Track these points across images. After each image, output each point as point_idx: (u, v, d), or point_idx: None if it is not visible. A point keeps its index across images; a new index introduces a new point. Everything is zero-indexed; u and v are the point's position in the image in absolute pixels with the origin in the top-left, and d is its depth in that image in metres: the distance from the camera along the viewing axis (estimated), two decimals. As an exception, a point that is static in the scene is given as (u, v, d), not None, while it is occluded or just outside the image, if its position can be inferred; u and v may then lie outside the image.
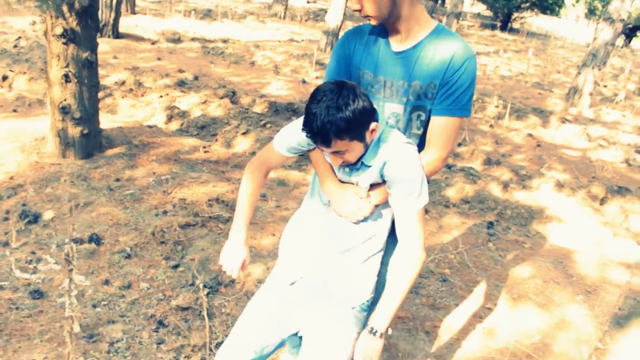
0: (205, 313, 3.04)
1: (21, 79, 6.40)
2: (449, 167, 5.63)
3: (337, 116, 1.50)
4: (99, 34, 9.46)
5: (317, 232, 1.90)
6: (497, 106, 8.16)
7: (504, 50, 15.87)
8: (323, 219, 1.88)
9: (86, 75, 4.27)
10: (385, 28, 1.85)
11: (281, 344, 1.99)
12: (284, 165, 5.08)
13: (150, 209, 3.96)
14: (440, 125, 1.82)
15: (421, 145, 1.89)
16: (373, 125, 1.61)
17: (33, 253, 3.36)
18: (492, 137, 7.07)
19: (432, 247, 3.99)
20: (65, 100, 4.24)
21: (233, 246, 1.93)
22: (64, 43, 4.06)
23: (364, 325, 1.87)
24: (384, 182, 1.73)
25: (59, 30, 3.97)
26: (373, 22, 1.80)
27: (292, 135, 1.82)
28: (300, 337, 1.99)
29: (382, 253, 1.91)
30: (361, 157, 1.69)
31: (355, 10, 1.79)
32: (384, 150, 1.68)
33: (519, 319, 3.29)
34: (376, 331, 1.77)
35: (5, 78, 6.44)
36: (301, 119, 1.64)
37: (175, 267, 3.40)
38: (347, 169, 1.77)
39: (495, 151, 6.64)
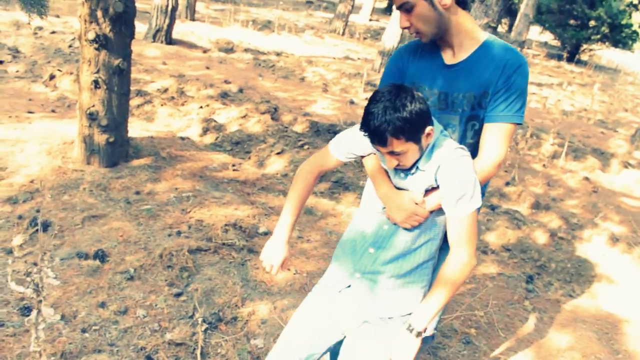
0: (198, 352, 2.80)
1: (67, 79, 6.41)
2: (492, 208, 5.24)
3: (394, 115, 1.57)
4: (151, 39, 9.51)
5: (370, 239, 1.90)
6: (553, 144, 7.66)
7: (568, 83, 15.18)
8: (376, 225, 1.88)
9: (116, 83, 4.14)
10: (437, 43, 1.91)
11: (326, 351, 2.02)
12: (315, 192, 4.82)
13: (164, 228, 3.76)
14: (493, 131, 1.86)
15: (474, 154, 1.90)
16: (429, 129, 1.66)
17: (34, 264, 3.22)
18: (544, 177, 6.60)
19: (460, 301, 3.63)
20: (93, 106, 4.12)
21: (276, 244, 1.99)
22: (96, 48, 3.94)
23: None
24: (438, 187, 1.76)
25: (91, 35, 3.86)
26: (424, 39, 1.87)
27: (350, 140, 1.90)
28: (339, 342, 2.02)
29: (434, 262, 1.93)
30: (416, 161, 1.74)
31: (404, 28, 1.85)
32: (438, 155, 1.73)
33: (549, 396, 2.90)
34: (413, 329, 1.80)
35: (52, 77, 6.47)
36: (358, 126, 1.74)
37: (178, 295, 3.18)
38: (402, 174, 1.80)
39: (545, 194, 6.18)
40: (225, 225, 3.77)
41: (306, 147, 5.68)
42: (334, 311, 1.96)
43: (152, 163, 4.55)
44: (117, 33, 3.98)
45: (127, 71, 4.25)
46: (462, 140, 1.93)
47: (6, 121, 5.04)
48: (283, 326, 3.05)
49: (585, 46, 23.19)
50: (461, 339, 3.21)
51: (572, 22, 21.74)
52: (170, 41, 9.90)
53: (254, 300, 3.22)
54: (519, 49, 13.04)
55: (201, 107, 6.32)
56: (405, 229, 1.81)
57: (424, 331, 1.81)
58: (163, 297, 3.14)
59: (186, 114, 6.05)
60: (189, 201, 4.13)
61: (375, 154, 1.88)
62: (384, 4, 29.44)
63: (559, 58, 21.96)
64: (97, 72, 4.04)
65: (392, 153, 1.66)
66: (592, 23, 21.25)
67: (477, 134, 1.92)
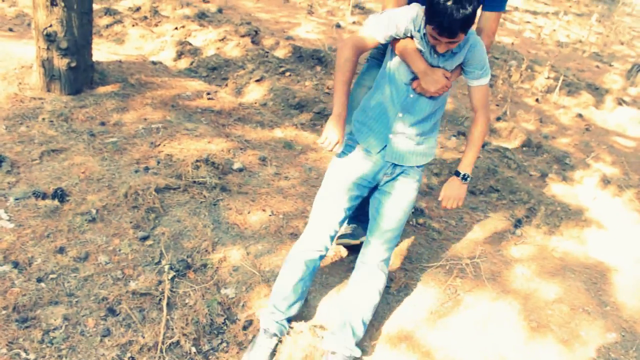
0: (164, 303, 2.60)
1: (28, -7, 5.87)
2: (482, 145, 4.99)
3: (464, 14, 1.91)
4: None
5: (398, 105, 2.31)
6: (548, 77, 7.34)
7: (564, 13, 14.62)
8: (404, 95, 2.29)
9: (76, 0, 3.71)
10: None
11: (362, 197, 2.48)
12: (296, 123, 4.51)
13: (131, 163, 3.47)
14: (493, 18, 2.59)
15: None
16: None
17: (-16, 204, 2.94)
18: (537, 113, 6.32)
19: (445, 247, 3.44)
20: (50, 26, 3.71)
21: (337, 122, 2.24)
22: (50, -40, 3.49)
23: (420, 177, 2.47)
24: (460, 65, 2.27)
25: (43, -57, 3.40)
26: None
27: (392, 24, 2.18)
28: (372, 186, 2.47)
29: (439, 125, 2.48)
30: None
31: None
32: (466, 39, 2.18)
33: (534, 355, 2.76)
34: (467, 176, 2.42)
35: (11, -9, 5.93)
36: (403, 11, 2.18)
37: (144, 239, 2.94)
38: (436, 56, 2.19)
39: (537, 131, 5.93)
40: (197, 161, 3.48)
41: (288, 73, 5.32)
42: (371, 169, 2.39)
43: (120, 90, 4.18)
44: (74, -59, 3.53)
45: (89, -13, 3.81)
46: None
47: (-42, 40, 4.59)
48: (256, 274, 2.84)
49: (582, -28, 22.32)
50: (446, 290, 3.04)
51: (571, -55, 20.79)
52: (145, -46, 9.19)
53: (226, 244, 3.00)
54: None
55: (176, 28, 5.86)
56: (428, 97, 2.27)
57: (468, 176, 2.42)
58: (127, 242, 2.90)
59: (159, 35, 5.60)
60: (158, 133, 3.82)
61: (409, 37, 2.20)
62: None
63: (555, -16, 21.16)
64: (54, -13, 3.60)
65: (452, 42, 2.05)
66: (591, -53, 20.34)
67: None
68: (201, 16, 6.52)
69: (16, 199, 3.02)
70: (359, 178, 2.39)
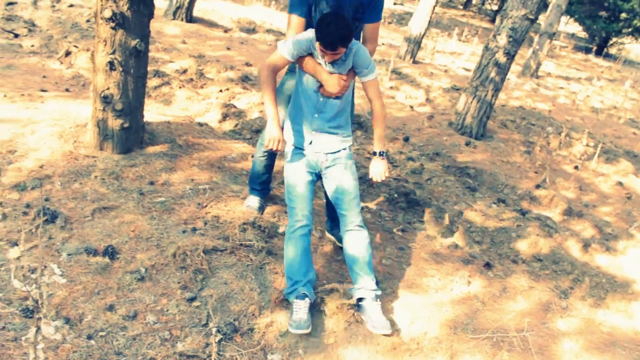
0: (211, 366, 2.59)
1: (83, 56, 6.18)
2: (522, 213, 4.96)
3: (342, 33, 2.70)
4: (172, 17, 9.24)
5: (312, 108, 3.07)
6: (586, 145, 7.33)
7: (597, 78, 14.71)
8: (315, 99, 3.05)
9: (133, 65, 3.90)
10: None
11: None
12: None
13: (179, 224, 3.54)
14: (371, 28, 3.29)
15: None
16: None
17: (41, 259, 3.01)
18: (576, 181, 6.28)
19: (491, 319, 3.38)
20: (108, 89, 3.88)
21: (274, 127, 2.98)
22: (112, 27, 3.69)
23: (351, 156, 3.22)
24: (352, 69, 3.03)
25: (107, 13, 3.61)
26: None
27: (297, 46, 2.94)
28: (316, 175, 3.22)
29: (349, 116, 3.24)
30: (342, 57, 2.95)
31: None
32: (350, 47, 2.95)
33: None
34: (383, 152, 3.15)
35: (68, 54, 6.24)
36: (302, 35, 2.98)
37: (191, 300, 2.96)
38: (334, 65, 2.94)
39: (578, 199, 5.88)
40: (244, 223, 3.53)
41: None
42: (309, 160, 3.15)
43: (168, 151, 4.31)
44: (135, 12, 3.73)
45: (145, 53, 4.00)
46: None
47: (18, 99, 4.82)
48: (302, 340, 2.83)
49: (614, 39, 22.51)
50: (494, 364, 2.97)
51: (602, 13, 21.06)
52: (190, 19, 9.61)
53: (272, 309, 3.00)
54: (548, 41, 12.60)
55: (221, 90, 6.06)
56: (334, 98, 3.04)
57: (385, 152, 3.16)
58: (175, 302, 2.92)
59: (205, 97, 5.80)
60: (205, 194, 3.90)
61: (309, 55, 2.98)
62: (409, -12, 28.86)
63: (587, 51, 21.37)
64: (113, 52, 3.79)
65: (335, 54, 2.82)
66: (623, 15, 20.57)
67: (359, 30, 3.30)
68: (244, 79, 6.74)
69: (69, 255, 3.09)
70: (306, 167, 3.15)
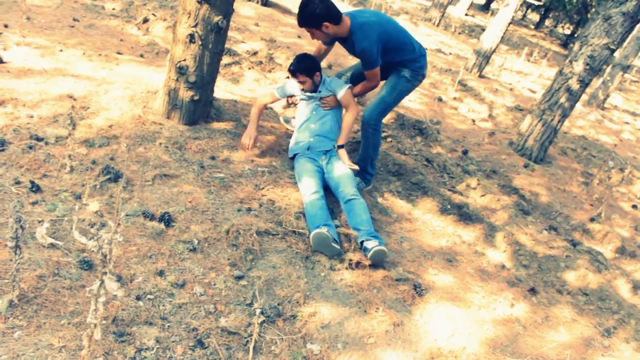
0: (251, 346, 2.62)
1: (160, 25, 6.30)
2: (573, 244, 4.83)
3: (299, 66, 4.03)
4: (248, -2, 9.33)
5: (309, 123, 4.22)
6: (647, 184, 7.08)
7: (666, 118, 14.17)
8: (310, 117, 4.23)
9: (212, 40, 3.96)
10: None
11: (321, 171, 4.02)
12: (392, 190, 4.54)
13: (235, 202, 3.59)
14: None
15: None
16: (317, 73, 4.12)
17: (100, 215, 3.10)
18: (633, 220, 6.08)
19: (533, 346, 3.31)
20: (184, 60, 3.96)
21: (250, 129, 4.15)
22: (198, 1, 3.76)
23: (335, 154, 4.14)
24: (330, 94, 4.22)
25: (196, -13, 3.67)
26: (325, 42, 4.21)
27: (287, 86, 4.32)
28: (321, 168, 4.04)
29: (337, 123, 4.29)
30: (318, 88, 4.22)
31: (313, 38, 3.94)
32: (325, 82, 4.24)
33: None
34: (343, 145, 4.11)
35: (145, 21, 6.38)
36: (287, 81, 4.36)
37: (239, 278, 3.00)
38: (313, 92, 4.23)
39: (632, 238, 5.69)
40: (298, 212, 3.55)
41: (389, 139, 5.40)
42: (312, 156, 4.07)
43: (232, 129, 4.37)
44: (223, -11, 3.78)
45: (225, 30, 4.05)
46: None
47: (96, 59, 4.96)
48: (342, 336, 2.83)
49: (689, 81, 21.63)
50: (532, 392, 2.92)
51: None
52: (265, 2, 9.69)
53: (317, 300, 3.01)
54: (620, 73, 12.21)
55: (288, 77, 6.09)
56: (325, 112, 4.23)
57: (344, 145, 4.12)
58: (223, 277, 2.97)
59: (272, 82, 5.84)
60: (263, 177, 3.94)
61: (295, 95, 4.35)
62: (482, 0, 28.43)
63: (658, 89, 20.60)
64: (195, 26, 3.86)
65: (300, 82, 4.09)
66: (702, 58, 19.75)
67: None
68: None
69: (127, 215, 3.17)
70: (311, 162, 3.98)
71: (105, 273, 1.83)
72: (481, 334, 3.22)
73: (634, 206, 6.56)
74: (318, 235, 3.30)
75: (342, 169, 3.93)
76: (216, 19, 3.87)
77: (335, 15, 3.67)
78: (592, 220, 5.63)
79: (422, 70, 4.09)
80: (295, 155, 4.17)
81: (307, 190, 3.68)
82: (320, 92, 4.17)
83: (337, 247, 3.36)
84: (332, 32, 3.74)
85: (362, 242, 3.50)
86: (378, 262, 3.46)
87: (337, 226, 3.65)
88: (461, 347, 3.05)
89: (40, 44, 4.98)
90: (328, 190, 3.98)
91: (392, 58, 3.98)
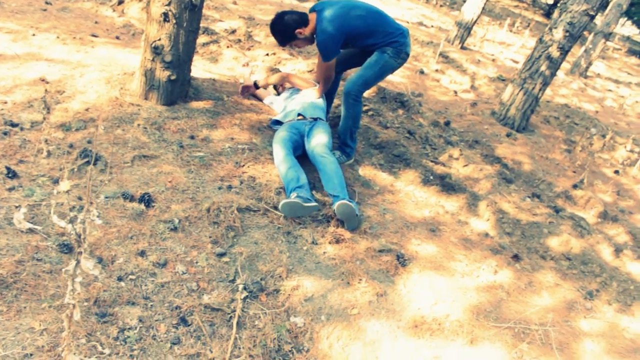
0: (235, 321, 2.64)
1: (135, 6, 6.21)
2: (556, 210, 4.87)
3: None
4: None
5: (298, 96, 4.47)
6: (630, 151, 7.14)
7: (648, 85, 14.26)
8: (297, 92, 4.57)
9: (186, 18, 3.91)
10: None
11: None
12: (375, 163, 4.54)
13: (215, 180, 3.58)
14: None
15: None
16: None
17: (79, 199, 3.08)
18: (615, 186, 6.14)
19: (516, 311, 3.36)
20: (159, 40, 3.91)
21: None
22: (170, -21, 3.70)
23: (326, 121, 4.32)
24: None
25: (167, -36, 3.61)
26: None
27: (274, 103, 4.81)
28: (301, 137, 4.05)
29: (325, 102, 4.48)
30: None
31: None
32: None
33: None
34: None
35: (120, 2, 6.28)
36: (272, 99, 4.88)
37: (221, 255, 3.01)
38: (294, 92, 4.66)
39: (614, 203, 5.75)
40: (279, 187, 3.55)
41: (370, 113, 5.39)
42: (294, 128, 4.05)
43: (211, 108, 4.34)
44: (194, -35, 3.72)
45: (200, 8, 4.00)
46: None
47: (70, 42, 4.88)
48: (326, 307, 2.85)
49: (671, 47, 21.72)
50: (513, 353, 2.96)
51: (662, 19, 20.32)
52: (242, -20, 9.58)
53: (300, 273, 3.03)
54: (602, 41, 12.23)
55: (267, 54, 6.05)
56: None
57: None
58: (205, 255, 2.97)
59: (251, 59, 5.79)
60: (243, 154, 3.93)
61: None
62: (464, -28, 28.18)
63: (641, 56, 20.69)
64: (169, 4, 3.80)
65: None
66: (684, 23, 19.82)
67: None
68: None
69: (106, 197, 3.15)
70: (286, 131, 3.97)
71: (80, 252, 1.82)
72: (465, 301, 3.26)
73: (616, 172, 6.62)
74: (285, 205, 3.30)
75: (319, 137, 3.93)
76: (189, -4, 3.81)
77: (301, 19, 3.96)
78: (574, 186, 5.68)
79: (405, 48, 4.08)
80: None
81: (278, 156, 3.72)
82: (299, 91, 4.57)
83: (312, 204, 3.36)
84: (308, 33, 3.98)
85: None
86: (346, 217, 3.45)
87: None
88: (445, 315, 3.08)
89: (11, 29, 4.90)
90: (311, 166, 3.98)
91: (365, 42, 4.05)
